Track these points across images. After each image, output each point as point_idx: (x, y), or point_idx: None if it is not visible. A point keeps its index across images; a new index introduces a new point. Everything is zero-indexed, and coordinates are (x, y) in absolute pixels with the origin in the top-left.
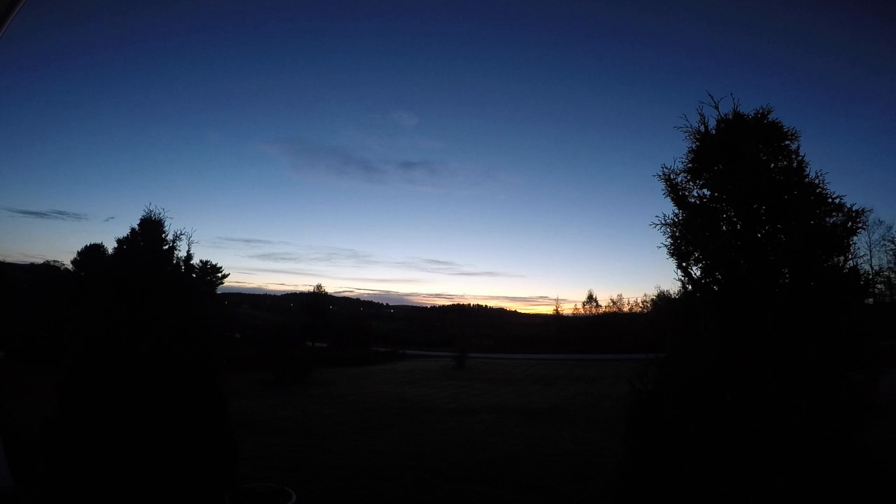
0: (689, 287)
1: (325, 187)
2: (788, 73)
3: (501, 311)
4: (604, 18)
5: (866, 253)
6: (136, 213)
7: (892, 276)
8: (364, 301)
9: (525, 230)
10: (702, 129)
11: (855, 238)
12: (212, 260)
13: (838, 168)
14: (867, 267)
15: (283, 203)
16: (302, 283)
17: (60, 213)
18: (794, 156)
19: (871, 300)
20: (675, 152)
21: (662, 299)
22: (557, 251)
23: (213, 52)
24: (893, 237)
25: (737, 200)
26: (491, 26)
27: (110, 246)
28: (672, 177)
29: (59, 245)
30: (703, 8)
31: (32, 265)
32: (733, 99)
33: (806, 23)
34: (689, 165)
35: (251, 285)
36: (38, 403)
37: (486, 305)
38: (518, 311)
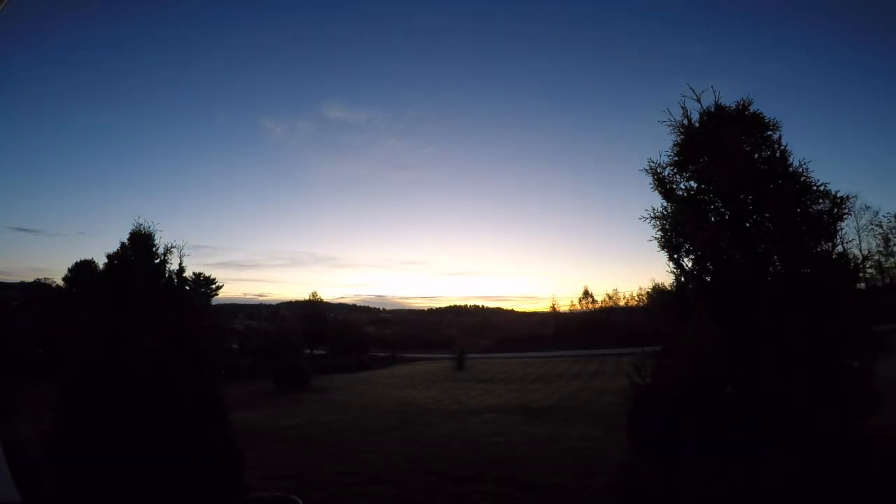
0: (682, 279)
1: (276, 185)
2: (767, 62)
3: (499, 310)
4: (593, 16)
5: (854, 238)
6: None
7: (882, 259)
8: (360, 307)
9: (517, 228)
10: (685, 122)
11: (842, 224)
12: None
13: (821, 156)
14: (856, 252)
15: (221, 205)
16: (269, 291)
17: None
18: (776, 145)
19: (862, 285)
20: (662, 146)
21: (656, 292)
22: (551, 248)
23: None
24: (881, 222)
25: (723, 191)
26: (479, 21)
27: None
28: (659, 170)
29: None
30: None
31: (23, 283)
32: (714, 92)
33: (781, 11)
34: (675, 159)
35: (235, 295)
36: (37, 418)
37: (482, 306)
38: (515, 309)
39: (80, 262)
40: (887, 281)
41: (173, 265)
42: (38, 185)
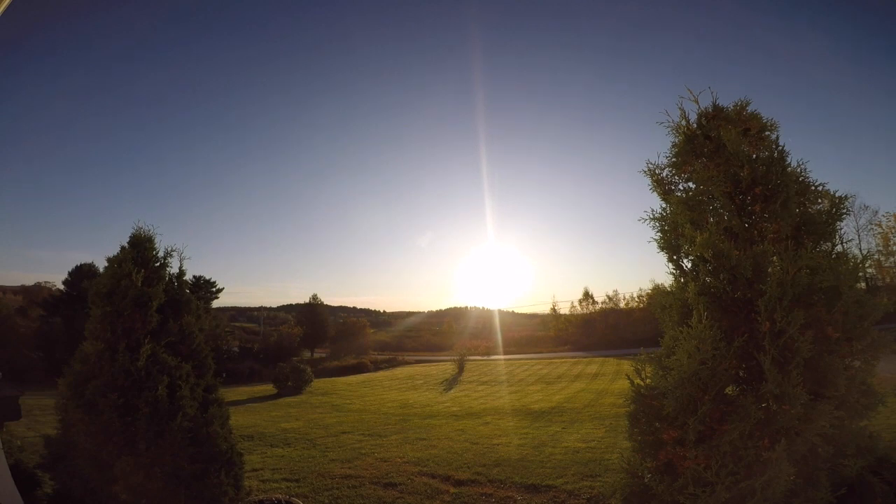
0: (682, 280)
1: (278, 185)
2: (765, 61)
3: (499, 312)
4: (590, 16)
5: (854, 237)
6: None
7: (882, 259)
8: (360, 309)
9: (517, 228)
10: (683, 123)
11: (841, 223)
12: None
13: (821, 156)
14: (856, 251)
15: (222, 206)
16: (270, 294)
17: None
18: (774, 146)
19: (862, 284)
20: (660, 146)
21: (657, 293)
22: (551, 249)
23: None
24: (880, 221)
25: (722, 192)
26: (478, 19)
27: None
28: (657, 172)
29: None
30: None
31: (23, 286)
32: (712, 92)
33: (779, 9)
34: (674, 160)
35: (236, 298)
36: (37, 422)
37: (483, 308)
38: (515, 311)
39: (81, 265)
40: (887, 281)
41: (173, 269)
42: (39, 186)
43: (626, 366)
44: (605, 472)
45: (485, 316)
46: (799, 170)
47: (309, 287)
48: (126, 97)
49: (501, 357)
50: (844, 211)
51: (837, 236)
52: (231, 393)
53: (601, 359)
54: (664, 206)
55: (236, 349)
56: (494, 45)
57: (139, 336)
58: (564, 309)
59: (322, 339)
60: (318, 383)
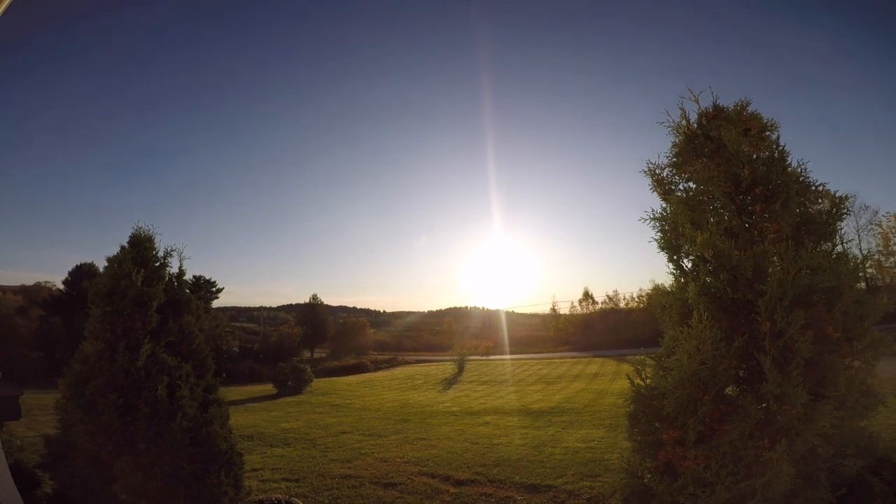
0: (682, 280)
1: (278, 186)
2: (764, 62)
3: (498, 312)
4: (592, 16)
5: (854, 238)
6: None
7: (882, 259)
8: (360, 309)
9: (516, 229)
10: (683, 123)
11: (841, 223)
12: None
13: (821, 156)
14: (856, 251)
15: (221, 206)
16: (270, 294)
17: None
18: (775, 146)
19: (863, 285)
20: (661, 146)
21: (656, 293)
22: (551, 249)
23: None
24: (880, 221)
25: (723, 192)
26: (476, 19)
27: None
28: (658, 172)
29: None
30: None
31: (23, 286)
32: (712, 92)
33: (779, 9)
34: (674, 160)
35: (236, 298)
36: (37, 421)
37: (482, 307)
38: (515, 311)
39: (81, 265)
40: (887, 281)
41: (173, 268)
42: (40, 186)
43: (626, 366)
44: (605, 472)
45: (485, 316)
46: (799, 170)
47: (309, 287)
48: (127, 98)
49: (501, 357)
50: (845, 211)
51: (838, 236)
52: (231, 393)
53: (601, 359)
54: (664, 206)
55: (236, 349)
56: (494, 44)
57: (139, 336)
58: (564, 309)
59: (322, 339)
60: (318, 383)
